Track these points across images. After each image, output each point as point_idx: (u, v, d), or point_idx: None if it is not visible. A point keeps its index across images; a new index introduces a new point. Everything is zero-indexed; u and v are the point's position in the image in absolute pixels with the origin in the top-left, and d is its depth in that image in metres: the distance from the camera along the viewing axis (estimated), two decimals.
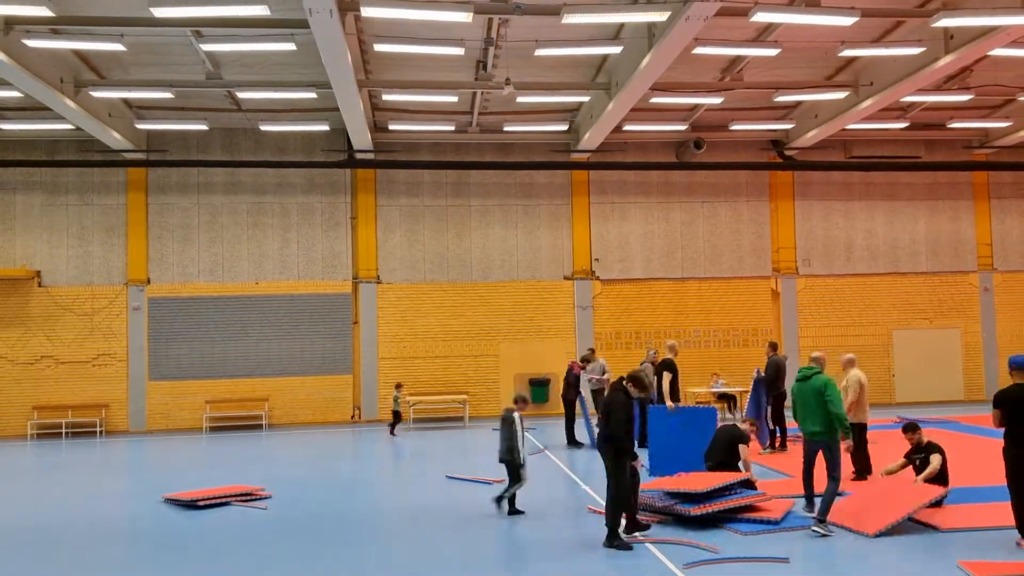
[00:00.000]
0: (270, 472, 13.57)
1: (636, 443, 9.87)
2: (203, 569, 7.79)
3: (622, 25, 15.00)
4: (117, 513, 10.76)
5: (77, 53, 15.93)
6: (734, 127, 21.07)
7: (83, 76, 16.83)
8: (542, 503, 10.15)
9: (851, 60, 17.47)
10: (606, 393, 8.80)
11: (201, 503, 10.58)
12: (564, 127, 20.97)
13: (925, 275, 23.05)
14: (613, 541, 7.92)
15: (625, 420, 8.10)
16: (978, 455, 13.10)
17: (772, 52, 15.50)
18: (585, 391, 16.16)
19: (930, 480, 9.41)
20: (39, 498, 11.85)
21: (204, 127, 19.79)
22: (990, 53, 15.43)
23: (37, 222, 20.59)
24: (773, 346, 15.09)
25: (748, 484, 9.52)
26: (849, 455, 9.67)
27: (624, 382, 8.43)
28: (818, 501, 8.60)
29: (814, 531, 8.22)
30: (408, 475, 13.44)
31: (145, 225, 20.78)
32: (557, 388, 21.59)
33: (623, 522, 8.22)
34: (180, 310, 20.66)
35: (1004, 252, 23.36)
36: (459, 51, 14.61)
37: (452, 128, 20.39)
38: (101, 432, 20.03)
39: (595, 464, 13.15)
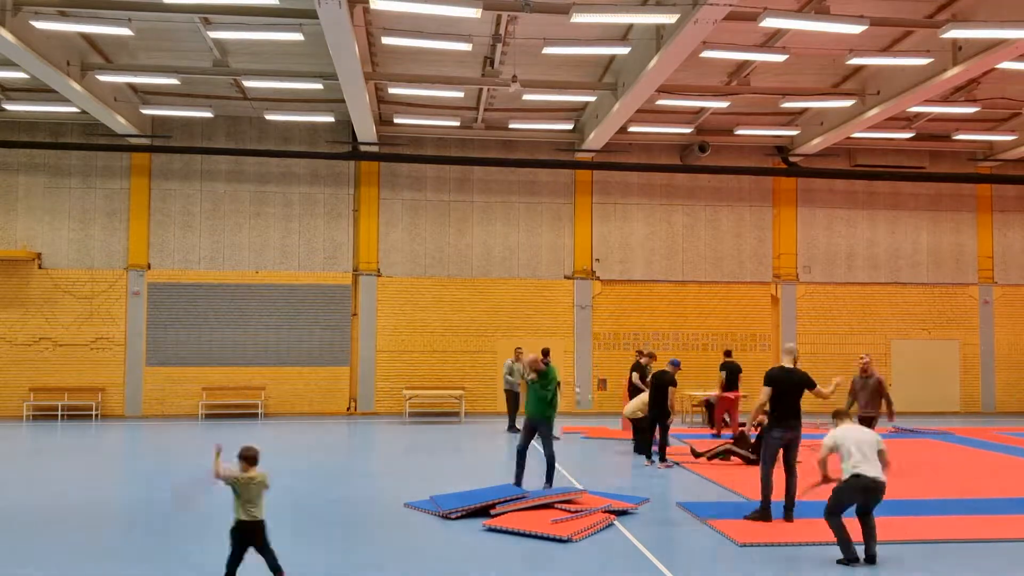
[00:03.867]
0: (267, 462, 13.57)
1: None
2: (186, 552, 7.81)
3: (631, 26, 14.98)
4: (110, 496, 10.77)
5: (84, 36, 15.92)
6: (739, 132, 21.07)
7: (90, 59, 16.82)
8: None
9: (858, 68, 17.46)
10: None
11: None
12: (569, 126, 20.96)
13: (925, 286, 23.04)
14: None
15: None
16: (972, 468, 13.09)
17: (780, 58, 15.48)
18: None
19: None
20: (34, 480, 11.86)
21: (209, 114, 19.78)
22: (998, 66, 15.40)
23: (39, 204, 20.58)
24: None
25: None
26: None
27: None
28: None
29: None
30: (399, 470, 13.44)
31: (147, 210, 20.77)
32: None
33: None
34: (180, 296, 20.66)
35: (1005, 265, 23.35)
36: (467, 47, 14.59)
37: (457, 124, 20.38)
38: (97, 416, 20.04)
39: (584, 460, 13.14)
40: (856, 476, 7.45)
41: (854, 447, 7.56)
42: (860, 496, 7.48)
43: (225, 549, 8.08)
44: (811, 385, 9.19)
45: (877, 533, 7.56)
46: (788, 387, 9.14)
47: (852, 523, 7.48)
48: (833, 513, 7.51)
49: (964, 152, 23.06)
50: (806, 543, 8.17)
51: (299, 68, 17.19)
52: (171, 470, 12.67)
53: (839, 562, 7.45)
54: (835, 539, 7.48)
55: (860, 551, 7.48)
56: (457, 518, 9.18)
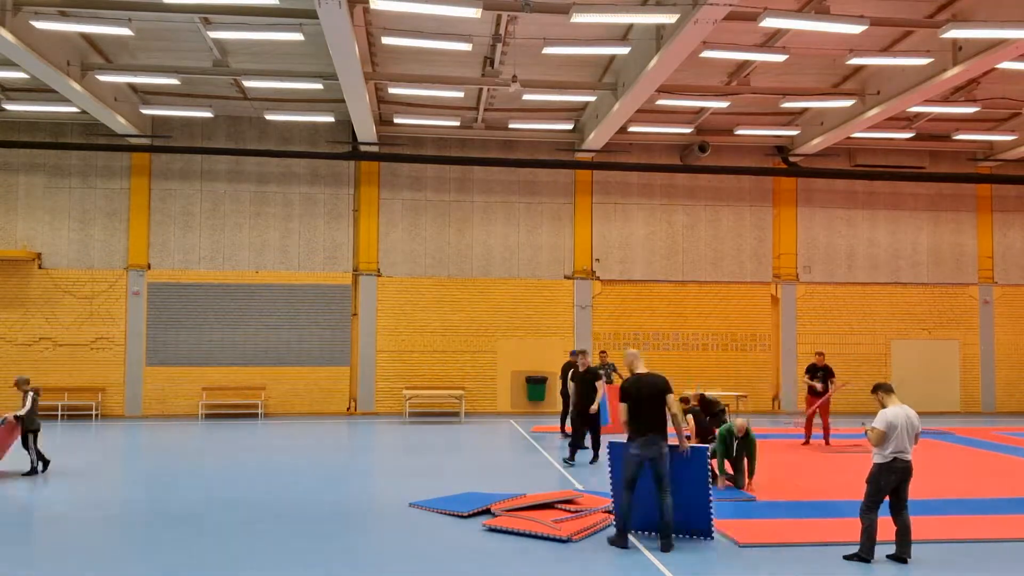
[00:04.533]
0: (267, 462, 13.59)
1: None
2: (185, 552, 7.81)
3: (631, 26, 15.00)
4: (109, 496, 10.77)
5: (84, 36, 15.93)
6: (739, 132, 21.07)
7: (90, 59, 16.82)
8: None
9: (858, 68, 17.46)
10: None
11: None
12: (569, 126, 20.95)
13: (925, 286, 23.05)
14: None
15: None
16: (972, 468, 13.10)
17: (780, 58, 15.48)
18: None
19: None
20: (33, 479, 11.86)
21: (209, 114, 19.78)
22: (998, 66, 15.40)
23: (39, 204, 20.58)
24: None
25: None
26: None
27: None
28: None
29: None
30: (394, 469, 13.44)
31: (147, 210, 20.78)
32: (555, 386, 21.62)
33: None
34: (180, 296, 20.66)
35: (1005, 265, 23.35)
36: (467, 47, 14.59)
37: (457, 123, 20.38)
38: (97, 415, 20.04)
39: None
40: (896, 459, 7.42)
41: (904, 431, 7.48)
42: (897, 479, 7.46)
43: (224, 550, 8.10)
44: (668, 391, 8.23)
45: (871, 533, 7.54)
46: (643, 396, 8.17)
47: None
48: (871, 508, 7.46)
49: (964, 152, 23.06)
50: (807, 543, 8.17)
51: (299, 68, 17.19)
52: (171, 470, 12.67)
53: (848, 557, 7.46)
54: (861, 536, 7.47)
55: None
56: (469, 515, 9.24)
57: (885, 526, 7.61)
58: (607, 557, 7.81)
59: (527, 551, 7.95)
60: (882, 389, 7.81)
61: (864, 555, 7.44)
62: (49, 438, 16.79)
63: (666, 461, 8.09)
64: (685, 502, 8.21)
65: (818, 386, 15.55)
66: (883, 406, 7.67)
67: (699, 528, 8.33)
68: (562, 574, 7.31)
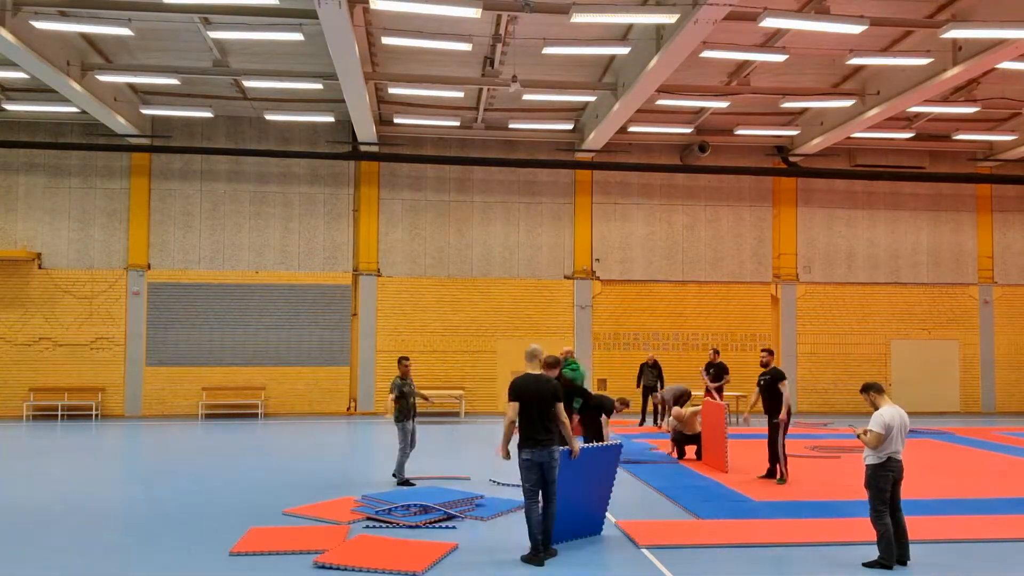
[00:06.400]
0: (268, 462, 13.58)
1: None
2: (185, 551, 7.81)
3: (630, 26, 15.00)
4: (110, 496, 10.77)
5: (84, 36, 15.93)
6: (739, 132, 21.06)
7: (90, 59, 16.82)
8: None
9: (858, 68, 17.47)
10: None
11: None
12: (569, 126, 20.95)
13: (925, 286, 23.05)
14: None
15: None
16: (972, 468, 13.10)
17: (780, 58, 15.48)
18: None
19: None
20: (34, 480, 11.86)
21: (209, 114, 19.77)
22: (998, 66, 15.41)
23: (39, 204, 20.57)
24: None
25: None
26: None
27: None
28: None
29: None
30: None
31: (147, 210, 20.77)
32: None
33: None
34: (180, 296, 20.66)
35: (1005, 265, 23.35)
36: (467, 47, 14.60)
37: (457, 124, 20.37)
38: (97, 416, 20.04)
39: None
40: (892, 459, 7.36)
41: (898, 432, 7.43)
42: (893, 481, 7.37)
43: (223, 551, 8.10)
44: (558, 399, 7.53)
45: (888, 538, 7.38)
46: (533, 398, 7.50)
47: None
48: (882, 512, 7.31)
49: (964, 152, 23.06)
50: (807, 543, 8.17)
51: (299, 68, 17.19)
52: (171, 470, 12.67)
53: (868, 564, 7.27)
54: (877, 539, 7.33)
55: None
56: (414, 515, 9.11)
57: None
58: (609, 557, 7.80)
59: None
60: (873, 389, 7.78)
61: (885, 562, 7.23)
62: (49, 438, 16.80)
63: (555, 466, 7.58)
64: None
65: None
66: (875, 407, 7.63)
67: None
68: (564, 574, 7.30)
